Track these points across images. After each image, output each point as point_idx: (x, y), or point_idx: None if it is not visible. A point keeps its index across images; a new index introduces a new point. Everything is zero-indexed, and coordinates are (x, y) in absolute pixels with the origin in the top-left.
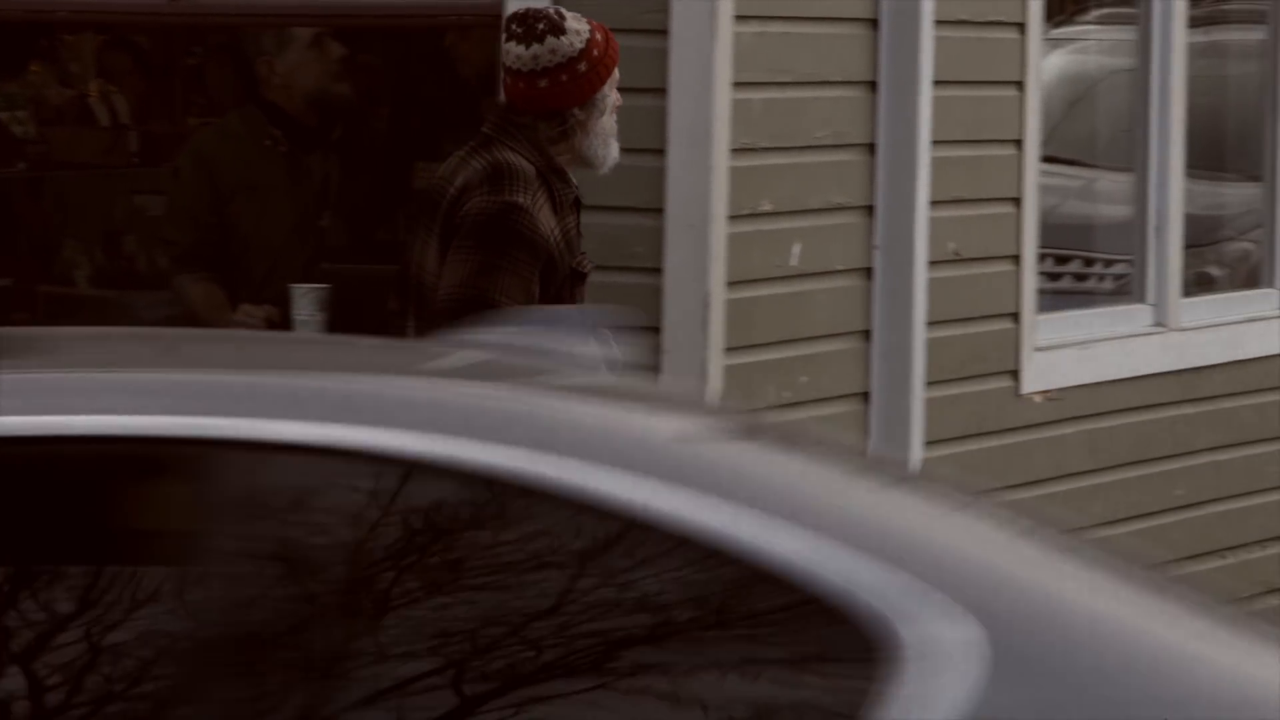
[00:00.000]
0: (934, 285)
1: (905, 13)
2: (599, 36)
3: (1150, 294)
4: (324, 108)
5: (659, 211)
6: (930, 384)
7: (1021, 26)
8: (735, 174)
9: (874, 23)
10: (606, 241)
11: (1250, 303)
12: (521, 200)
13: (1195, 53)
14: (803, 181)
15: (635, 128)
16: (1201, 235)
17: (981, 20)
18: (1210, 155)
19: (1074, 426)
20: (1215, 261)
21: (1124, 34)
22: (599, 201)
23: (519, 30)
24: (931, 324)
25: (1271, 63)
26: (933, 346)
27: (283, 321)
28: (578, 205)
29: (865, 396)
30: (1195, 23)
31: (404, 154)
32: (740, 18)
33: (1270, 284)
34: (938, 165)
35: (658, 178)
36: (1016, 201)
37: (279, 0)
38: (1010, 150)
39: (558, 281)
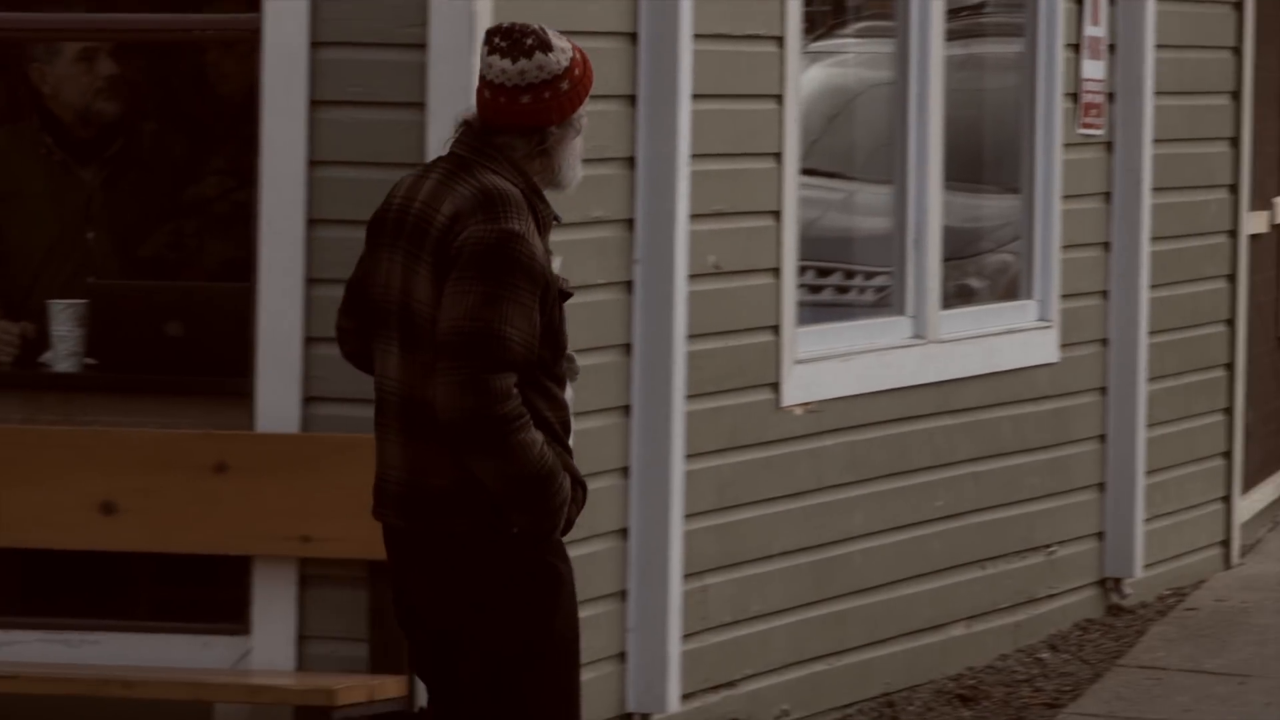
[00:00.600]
0: (694, 298)
1: (664, 27)
2: (579, 56)
3: (909, 306)
4: (96, 121)
5: None
6: (691, 397)
7: (780, 40)
8: None
9: (633, 36)
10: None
11: (1009, 314)
12: (518, 227)
13: (953, 66)
14: (563, 196)
15: (394, 142)
16: (961, 247)
17: (740, 34)
18: (969, 168)
19: (834, 439)
20: (975, 273)
21: (882, 47)
22: (358, 215)
23: (503, 45)
24: (692, 337)
25: (1028, 75)
26: (693, 359)
27: (39, 338)
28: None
29: (626, 410)
30: (953, 36)
31: (168, 171)
32: None
33: (1029, 296)
34: (698, 179)
35: None
36: (776, 215)
37: (42, 15)
38: (770, 163)
39: (549, 304)
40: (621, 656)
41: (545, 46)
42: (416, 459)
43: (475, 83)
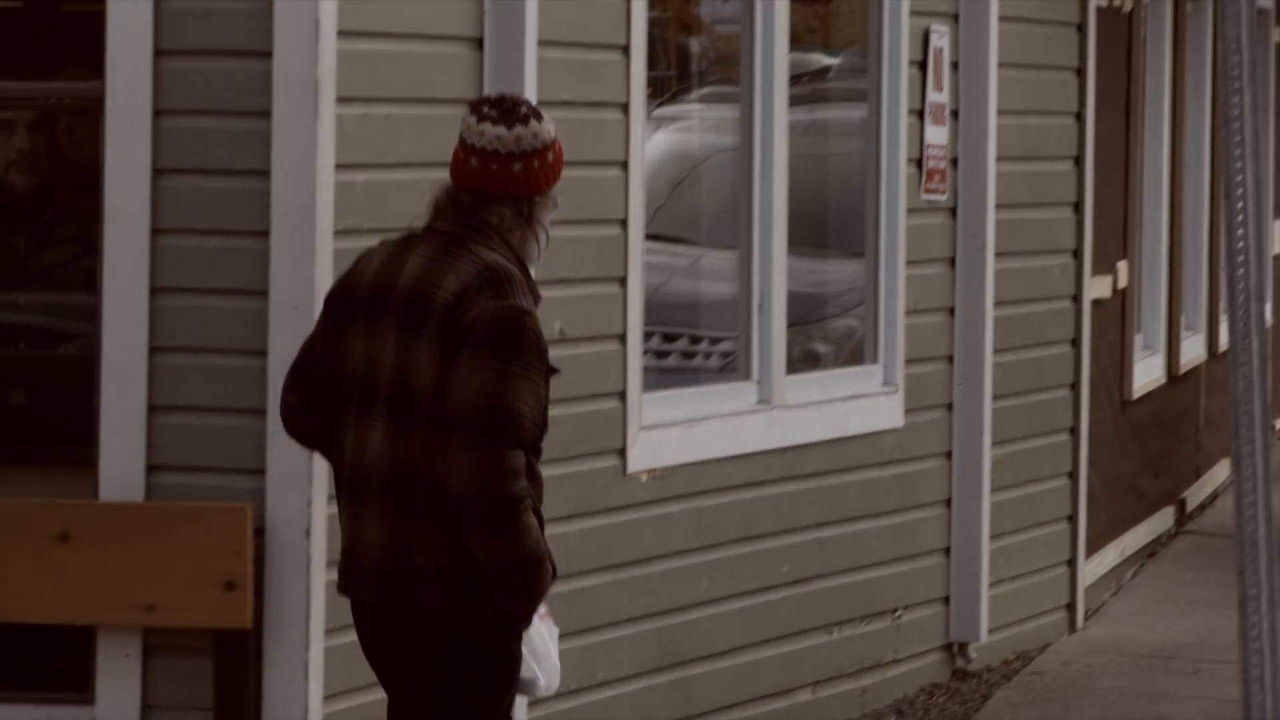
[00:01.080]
0: None
1: (509, 88)
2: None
3: (755, 371)
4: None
5: (263, 294)
6: (540, 463)
7: (625, 107)
8: (340, 256)
9: None
10: (210, 323)
11: (854, 380)
12: (525, 304)
13: (797, 131)
14: None
15: (239, 211)
16: (806, 313)
17: (584, 101)
18: (813, 233)
19: (680, 505)
20: (820, 339)
21: (727, 112)
22: (201, 284)
23: (494, 113)
24: None
25: (872, 141)
26: None
27: None
28: None
29: None
30: (797, 101)
31: (25, 236)
32: (343, 99)
33: (874, 361)
34: None
35: (262, 260)
36: (622, 281)
37: None
38: (615, 230)
39: (547, 382)
40: None
41: (537, 115)
42: (403, 536)
43: (323, 154)
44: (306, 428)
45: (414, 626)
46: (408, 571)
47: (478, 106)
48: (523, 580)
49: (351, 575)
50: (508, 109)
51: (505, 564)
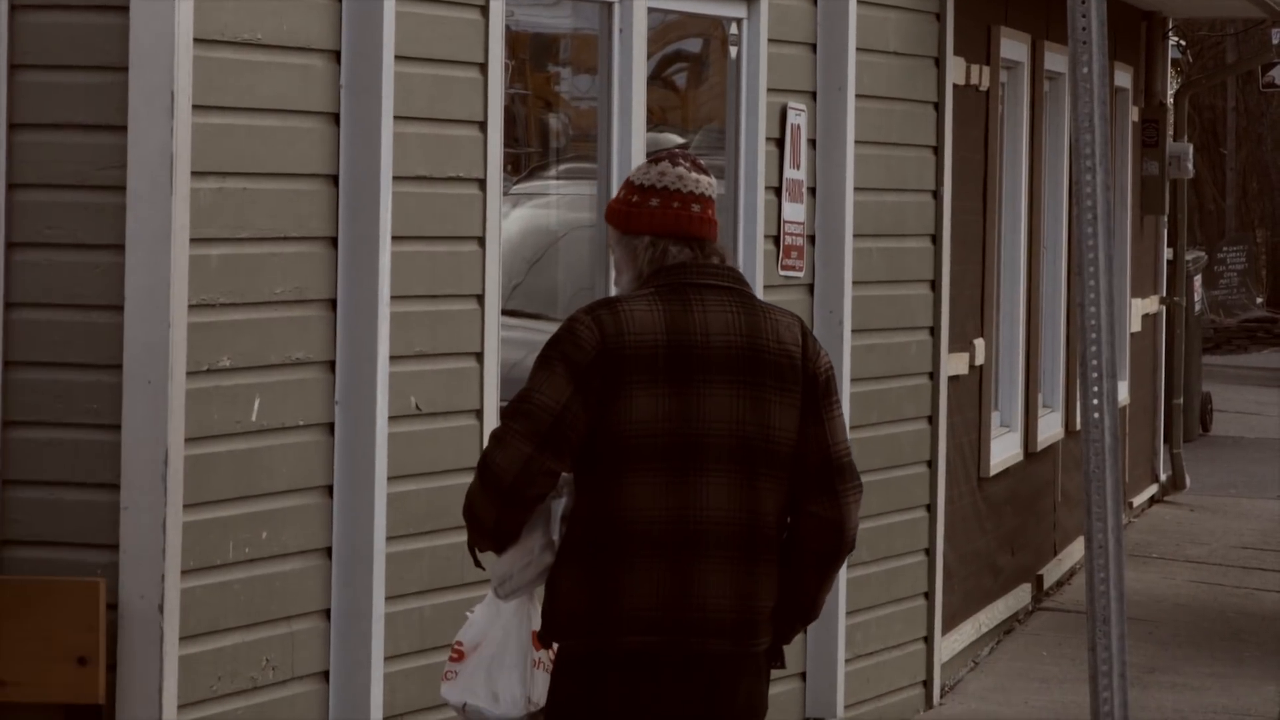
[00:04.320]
0: (395, 439)
1: (365, 168)
2: None
3: None
4: None
5: (117, 368)
6: (392, 538)
7: (482, 182)
8: (194, 330)
9: (334, 179)
10: (63, 398)
11: None
12: None
13: None
14: (262, 337)
15: (92, 284)
16: None
17: (442, 176)
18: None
19: None
20: None
21: (585, 189)
22: (55, 358)
23: (687, 163)
24: (393, 478)
25: (730, 217)
26: (394, 501)
27: None
28: None
29: (328, 552)
30: None
31: None
32: (198, 173)
33: None
34: (398, 320)
35: (115, 334)
36: (479, 356)
37: None
38: (472, 305)
39: None
40: None
41: None
42: (751, 584)
43: (178, 228)
44: (549, 490)
45: (752, 670)
46: (756, 617)
47: (672, 159)
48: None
49: (679, 628)
50: (692, 160)
51: (824, 600)
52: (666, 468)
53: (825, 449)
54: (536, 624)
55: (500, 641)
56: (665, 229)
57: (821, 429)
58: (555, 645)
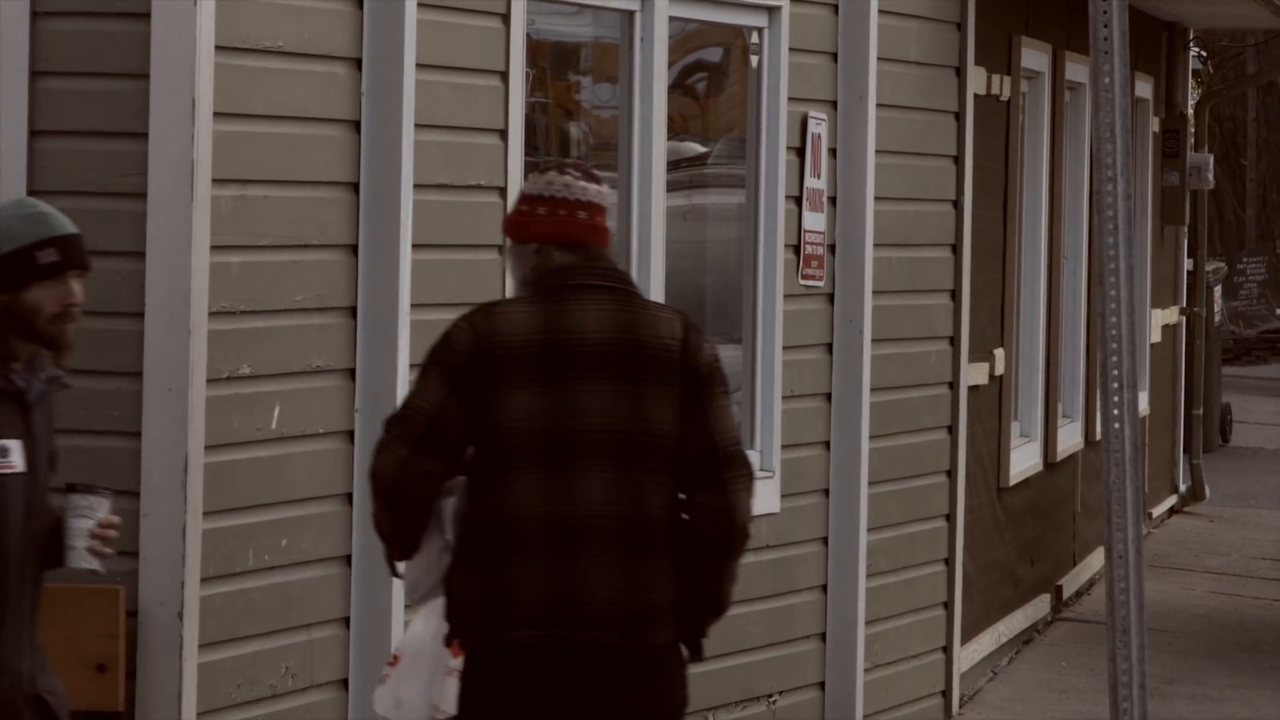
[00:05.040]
0: None
1: (386, 176)
2: None
3: None
4: None
5: (138, 375)
6: None
7: (503, 190)
8: (214, 337)
9: (355, 186)
10: (84, 405)
11: None
12: None
13: (675, 216)
14: (283, 344)
15: (113, 291)
16: None
17: (462, 184)
18: (691, 318)
19: None
20: None
21: None
22: (75, 365)
23: (577, 172)
24: None
25: (750, 227)
26: None
27: None
28: None
29: (348, 560)
30: (675, 187)
31: None
32: (219, 181)
33: (751, 446)
34: (419, 327)
35: (136, 341)
36: None
37: None
38: None
39: None
40: None
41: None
42: (640, 576)
43: (195, 234)
44: (433, 492)
45: (650, 663)
46: (646, 610)
47: (560, 168)
48: (723, 611)
49: (562, 622)
50: (583, 169)
51: (733, 589)
52: (546, 465)
53: (708, 439)
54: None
55: (417, 650)
56: (551, 235)
57: (704, 420)
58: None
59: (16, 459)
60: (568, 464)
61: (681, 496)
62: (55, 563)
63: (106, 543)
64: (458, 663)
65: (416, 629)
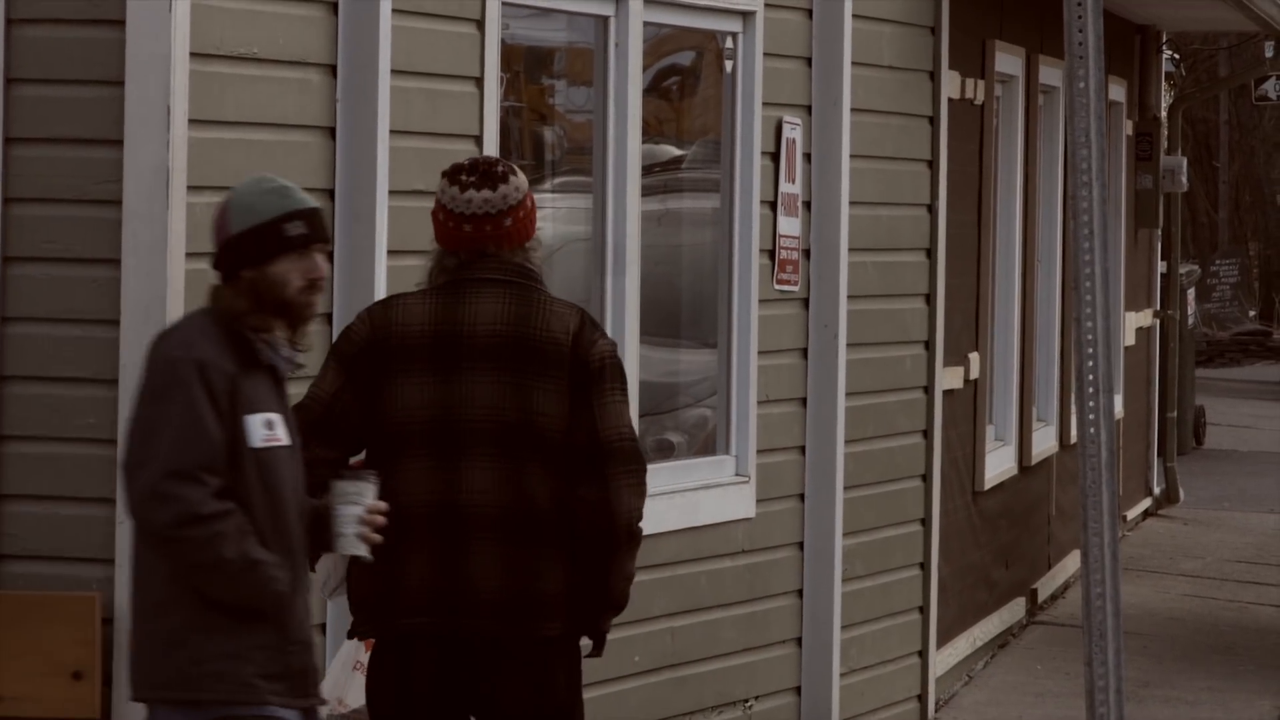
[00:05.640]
0: None
1: (361, 182)
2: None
3: None
4: None
5: (114, 383)
6: None
7: None
8: None
9: (330, 192)
10: (59, 411)
11: (706, 469)
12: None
13: (650, 221)
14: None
15: (89, 298)
16: (659, 402)
17: (433, 191)
18: (666, 323)
19: None
20: (673, 428)
21: (580, 202)
22: (51, 372)
23: (472, 179)
24: None
25: (725, 231)
26: None
27: None
28: None
29: None
30: (650, 191)
31: None
32: (194, 188)
33: (726, 451)
34: None
35: (111, 348)
36: None
37: None
38: None
39: None
40: None
41: (513, 171)
42: (524, 565)
43: (174, 243)
44: (329, 478)
45: (534, 654)
46: (532, 600)
47: (456, 174)
48: (626, 601)
49: (449, 610)
50: (485, 172)
51: (627, 585)
52: (432, 453)
53: (594, 434)
54: None
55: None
56: (442, 242)
57: (590, 414)
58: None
59: (281, 432)
60: (454, 453)
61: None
62: (323, 546)
63: (374, 528)
64: (366, 656)
65: None
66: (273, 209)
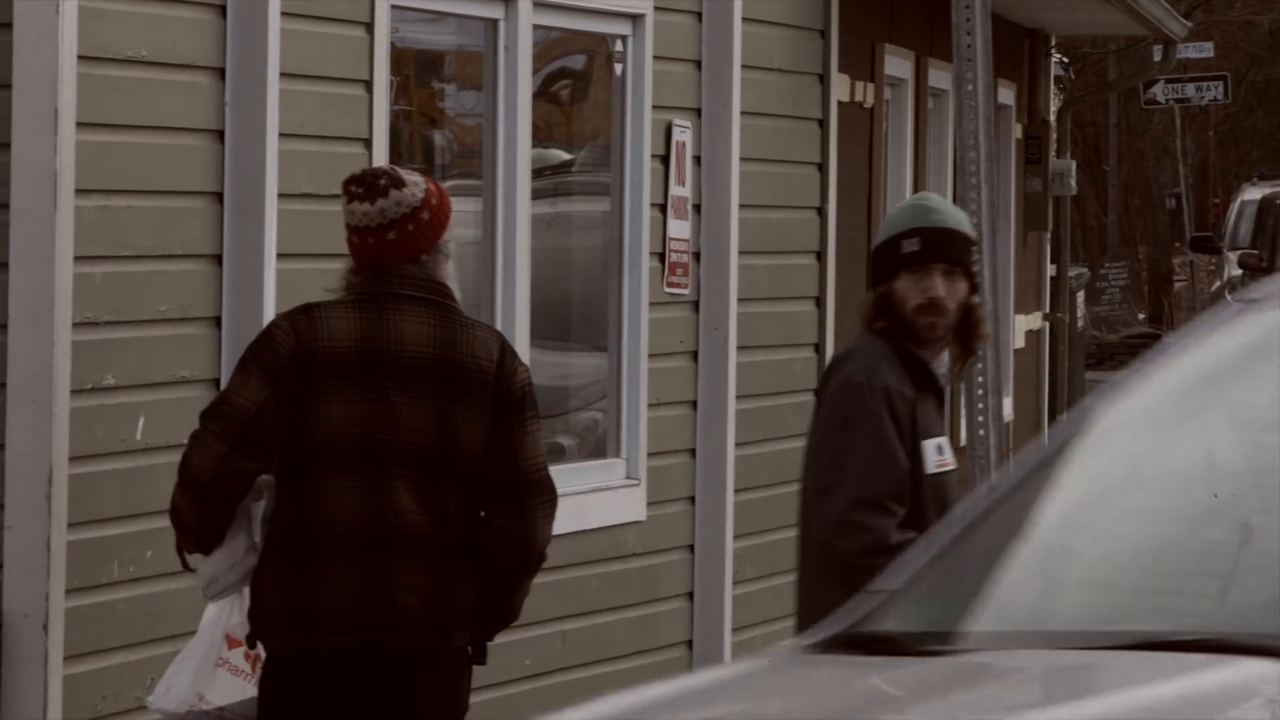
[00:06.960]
0: None
1: (250, 186)
2: (433, 187)
3: None
4: None
5: (1, 386)
6: None
7: None
8: (78, 348)
9: (219, 196)
10: None
11: (596, 472)
12: None
13: (540, 224)
14: (146, 355)
15: None
16: (549, 406)
17: (327, 193)
18: (556, 326)
19: None
20: (564, 431)
21: (470, 205)
22: None
23: (359, 190)
24: None
25: (615, 234)
26: None
27: None
28: None
29: None
30: (539, 195)
31: None
32: (82, 191)
33: (616, 454)
34: None
35: None
36: None
37: None
38: None
39: None
40: None
41: (398, 183)
42: (444, 582)
43: (62, 246)
44: (246, 490)
45: (449, 666)
46: (450, 613)
47: (346, 186)
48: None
49: (374, 626)
50: (370, 184)
51: (521, 604)
52: (358, 471)
53: (513, 464)
54: (234, 623)
55: (196, 639)
56: (355, 259)
57: (510, 446)
58: (260, 645)
59: (950, 456)
60: (379, 473)
61: (483, 514)
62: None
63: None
64: (232, 655)
65: (203, 620)
66: (900, 224)
